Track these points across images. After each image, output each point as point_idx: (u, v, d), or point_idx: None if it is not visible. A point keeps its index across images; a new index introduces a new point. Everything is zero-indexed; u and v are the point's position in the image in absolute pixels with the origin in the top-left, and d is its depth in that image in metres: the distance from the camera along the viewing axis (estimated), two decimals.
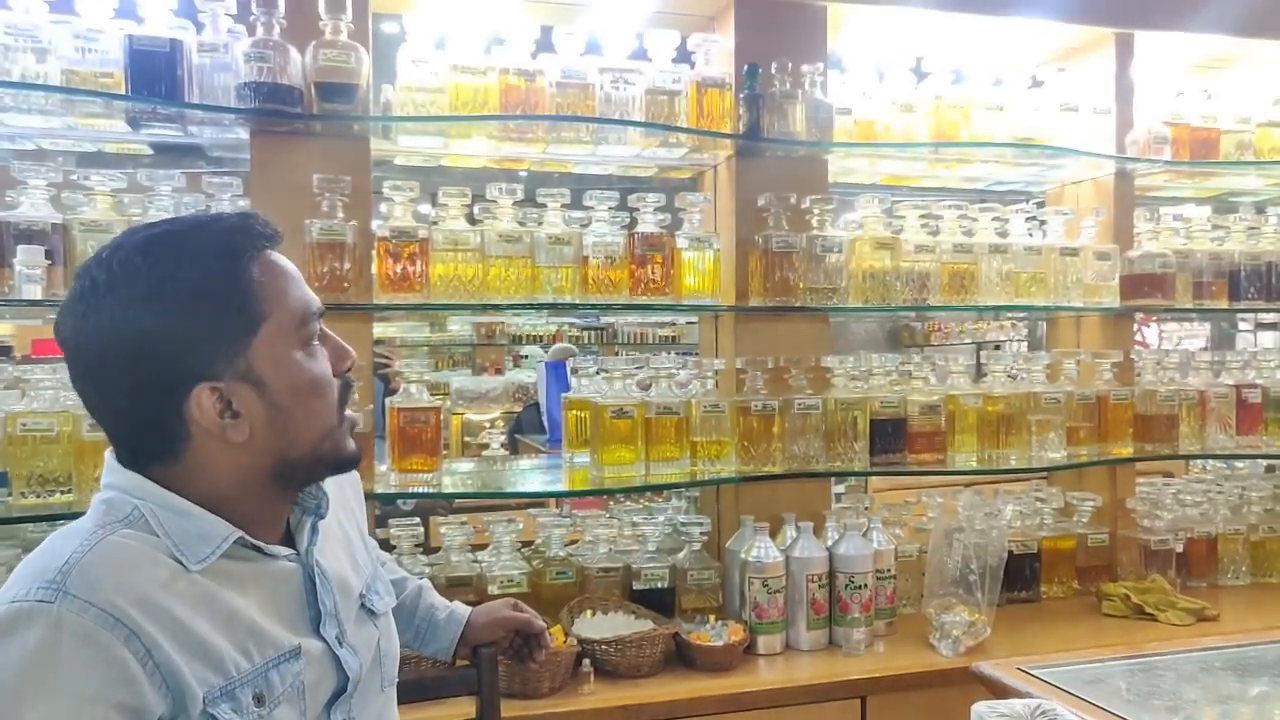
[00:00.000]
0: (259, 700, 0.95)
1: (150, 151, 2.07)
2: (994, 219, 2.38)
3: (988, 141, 2.32)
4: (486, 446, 2.70)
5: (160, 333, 0.93)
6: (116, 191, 1.85)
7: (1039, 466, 2.33)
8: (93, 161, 2.06)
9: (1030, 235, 2.40)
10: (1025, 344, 5.63)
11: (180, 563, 0.93)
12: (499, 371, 7.11)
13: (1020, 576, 2.30)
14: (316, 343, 1.03)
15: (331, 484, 1.16)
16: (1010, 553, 2.21)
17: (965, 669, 1.87)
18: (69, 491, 1.73)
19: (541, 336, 7.71)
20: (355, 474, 1.27)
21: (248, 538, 0.99)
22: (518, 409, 4.99)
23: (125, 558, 0.91)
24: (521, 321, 6.95)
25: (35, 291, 1.71)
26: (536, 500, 2.49)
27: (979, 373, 2.67)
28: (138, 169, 1.91)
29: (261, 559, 1.01)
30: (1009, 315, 4.94)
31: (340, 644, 1.05)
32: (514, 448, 4.13)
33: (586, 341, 7.93)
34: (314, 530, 1.08)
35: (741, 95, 2.14)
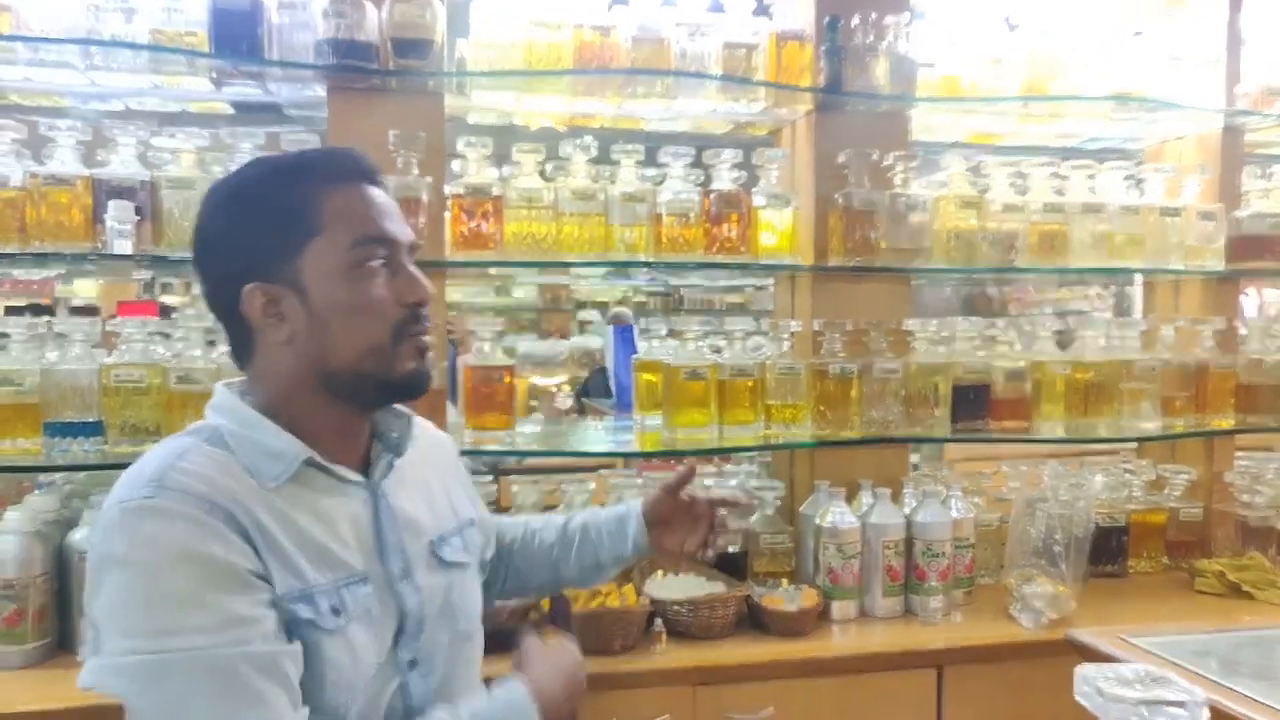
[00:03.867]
0: (335, 611, 0.99)
1: (231, 110, 2.11)
2: (1088, 177, 2.27)
3: (1084, 95, 2.19)
4: (556, 407, 2.71)
5: (228, 230, 1.05)
6: (200, 150, 1.88)
7: (1131, 436, 2.23)
8: (176, 121, 2.11)
9: (1127, 194, 2.28)
10: (1111, 314, 5.41)
11: (255, 480, 0.99)
12: (564, 336, 7.16)
13: (1106, 550, 2.22)
14: (378, 267, 1.05)
15: (429, 444, 1.24)
16: (1096, 525, 2.13)
17: (1047, 642, 1.84)
18: (159, 440, 1.78)
19: (606, 302, 7.72)
20: (454, 445, 1.36)
21: (317, 458, 1.04)
22: (583, 374, 5.00)
23: (210, 466, 0.98)
24: (589, 285, 6.96)
25: (126, 246, 1.75)
26: (605, 462, 2.49)
27: (1063, 341, 2.57)
28: (220, 128, 1.94)
29: (331, 482, 1.06)
30: (1096, 282, 4.75)
31: (402, 578, 1.08)
32: (581, 411, 4.15)
33: (652, 307, 7.90)
34: (390, 466, 1.13)
35: (822, 48, 2.07)
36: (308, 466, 1.03)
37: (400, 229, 1.09)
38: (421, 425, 1.22)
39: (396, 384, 1.08)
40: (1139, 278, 2.65)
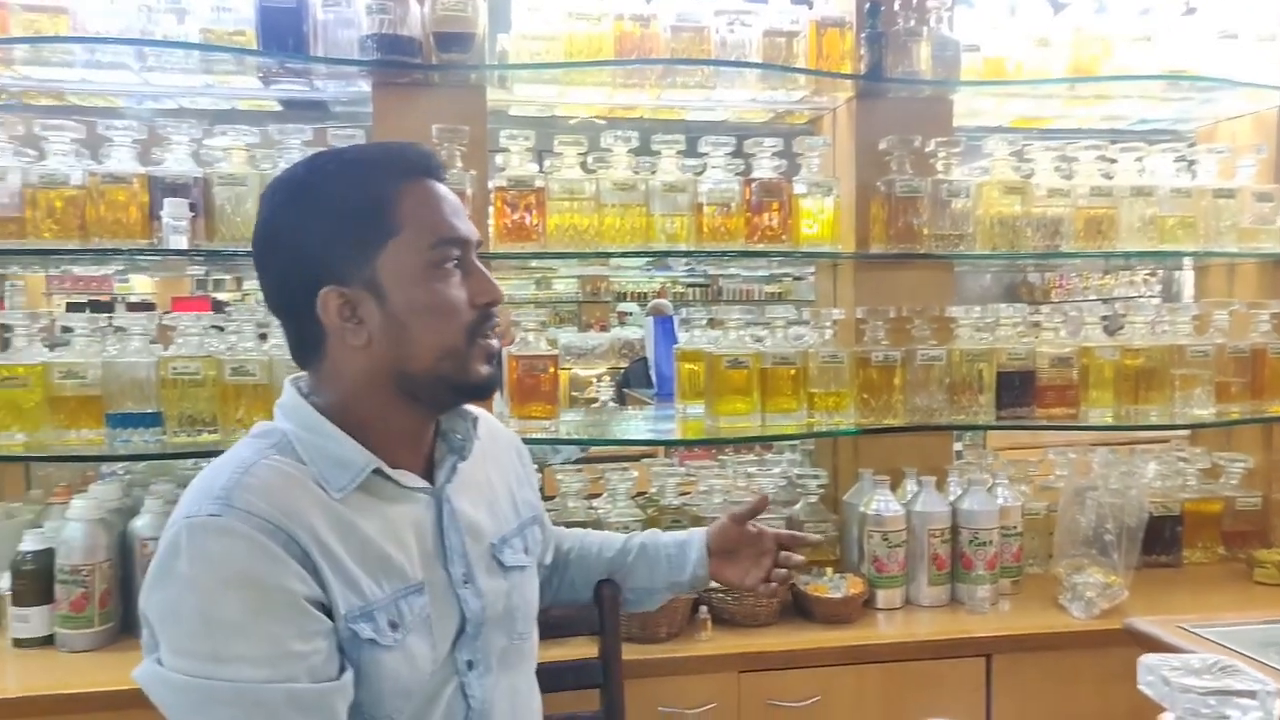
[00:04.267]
0: (393, 626, 0.99)
1: (279, 107, 2.15)
2: (1136, 159, 2.22)
3: (1133, 75, 2.15)
4: (595, 400, 2.73)
5: (302, 233, 1.01)
6: (250, 146, 1.92)
7: (1184, 424, 2.19)
8: (226, 119, 2.15)
9: (1178, 176, 2.23)
10: (1159, 300, 5.29)
11: (323, 489, 0.99)
12: (604, 328, 7.18)
13: (1159, 539, 2.18)
14: (452, 268, 1.04)
15: (491, 442, 1.21)
16: (1149, 514, 2.09)
17: (1098, 631, 1.82)
18: (215, 431, 1.83)
19: (644, 294, 7.73)
20: (519, 440, 1.34)
21: (385, 469, 1.03)
22: (623, 365, 5.03)
23: (278, 480, 0.97)
24: (627, 278, 6.97)
25: (181, 241, 1.80)
26: (647, 451, 2.50)
27: (1109, 327, 2.52)
28: (267, 124, 1.98)
29: (397, 490, 1.05)
30: (1143, 268, 4.65)
31: (464, 583, 1.08)
32: (621, 401, 4.18)
33: (691, 298, 7.89)
34: (453, 470, 1.11)
35: (863, 34, 2.06)
36: (374, 475, 1.02)
37: (469, 227, 1.07)
38: (484, 420, 1.20)
39: (470, 387, 1.07)
40: (1189, 262, 2.60)
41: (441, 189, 1.06)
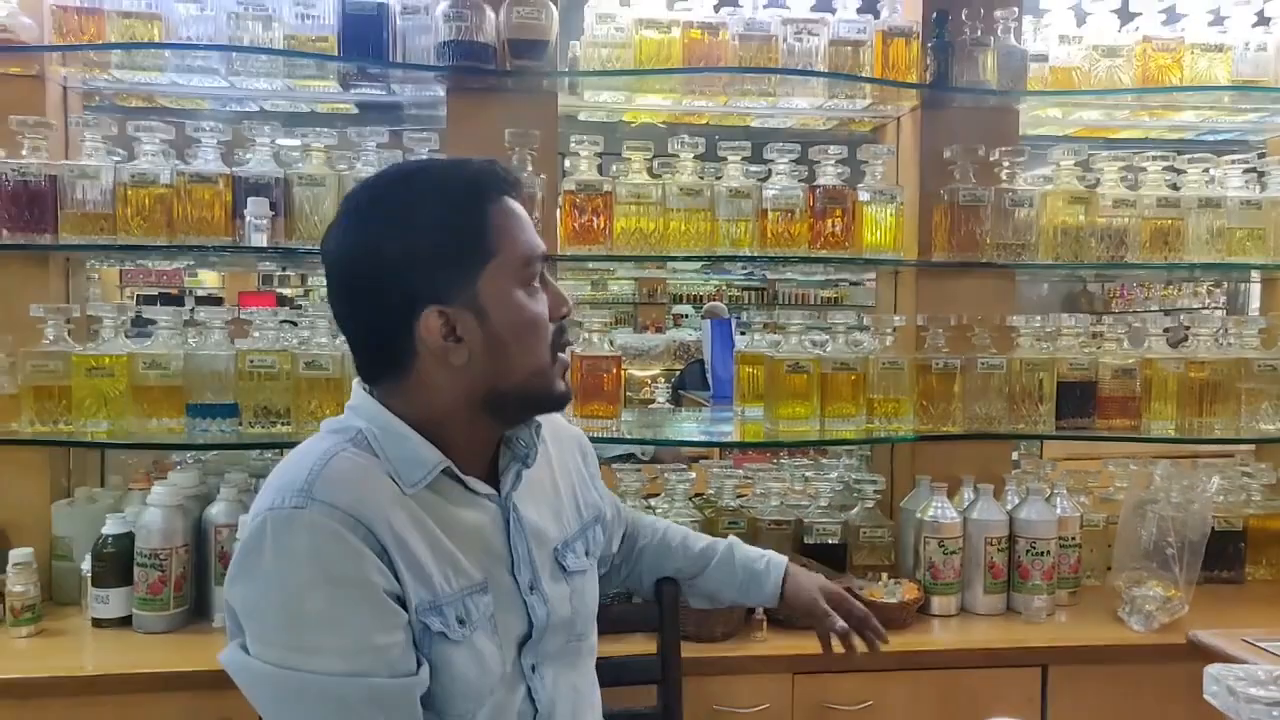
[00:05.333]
0: (460, 622, 1.01)
1: (356, 110, 2.21)
2: (1204, 170, 2.20)
3: (1204, 85, 2.13)
4: (651, 401, 2.76)
5: (404, 253, 1.00)
6: (328, 148, 1.98)
7: (1249, 438, 2.16)
8: (304, 121, 2.23)
9: (1247, 187, 2.20)
10: (1224, 313, 5.18)
11: (396, 483, 1.01)
12: (659, 330, 7.20)
13: (1222, 555, 2.15)
14: (537, 285, 1.06)
15: (553, 443, 1.23)
16: (1211, 529, 2.07)
17: (1158, 646, 1.80)
18: (289, 423, 1.89)
19: (699, 296, 7.73)
20: (585, 438, 1.34)
21: (455, 468, 1.05)
22: (678, 366, 5.05)
23: (356, 473, 0.99)
24: (683, 280, 6.99)
25: (262, 239, 1.87)
26: (703, 453, 2.53)
27: (1172, 339, 2.49)
28: (343, 127, 2.04)
29: (464, 493, 1.07)
30: (1207, 280, 4.57)
31: (530, 590, 1.09)
32: (677, 402, 4.21)
33: (746, 302, 7.88)
34: (518, 477, 1.12)
35: (929, 44, 2.06)
36: (444, 476, 1.04)
37: (541, 242, 1.09)
38: (547, 421, 1.21)
39: (552, 402, 1.10)
40: (1256, 274, 2.56)
41: (516, 205, 1.07)
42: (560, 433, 1.29)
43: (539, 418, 1.16)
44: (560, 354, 1.09)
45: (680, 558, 1.48)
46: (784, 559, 1.47)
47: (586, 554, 1.22)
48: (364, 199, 1.05)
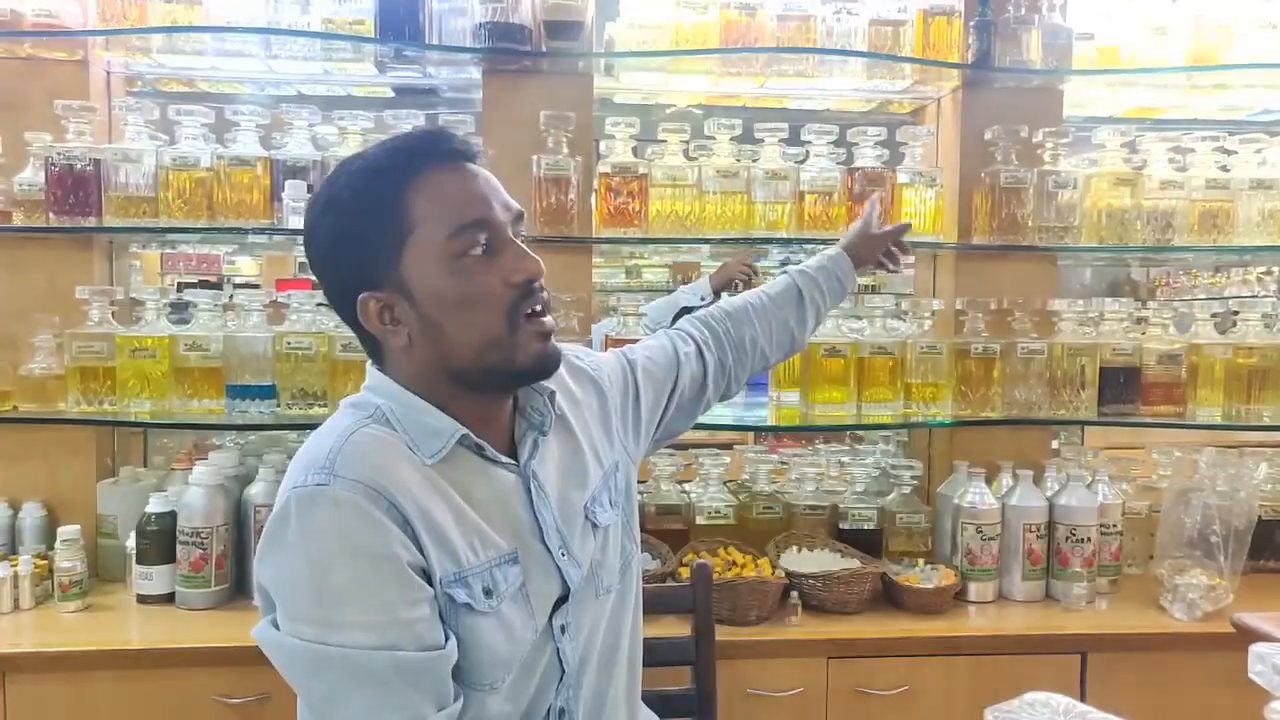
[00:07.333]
0: (487, 593, 1.01)
1: (391, 94, 2.22)
2: (1256, 151, 2.14)
3: (1259, 63, 2.07)
4: None
5: (332, 240, 1.02)
6: (365, 131, 1.99)
7: None
8: (340, 105, 2.23)
9: None
10: (1276, 300, 5.03)
11: (416, 455, 1.00)
12: None
13: (1269, 544, 2.11)
14: (479, 254, 0.99)
15: (572, 401, 1.18)
16: (1258, 517, 2.03)
17: (1201, 634, 1.78)
18: (325, 405, 1.91)
19: (735, 283, 7.67)
20: (605, 369, 1.26)
21: (472, 436, 1.04)
22: None
23: (377, 447, 0.99)
24: (718, 265, 6.92)
25: (299, 221, 1.88)
26: (738, 438, 2.51)
27: (1220, 325, 2.43)
28: (379, 110, 2.05)
29: (484, 463, 1.06)
30: (1258, 266, 4.44)
31: (562, 555, 1.09)
32: None
33: None
34: (536, 445, 1.10)
35: (972, 22, 2.02)
36: (461, 446, 1.03)
37: (497, 205, 1.01)
38: (564, 368, 1.16)
39: (523, 372, 1.05)
40: None
41: (465, 172, 1.01)
42: (581, 377, 1.23)
43: (552, 388, 1.12)
44: (531, 320, 1.02)
45: (775, 308, 1.49)
46: (838, 252, 1.59)
47: (610, 504, 1.19)
48: (313, 194, 1.06)
